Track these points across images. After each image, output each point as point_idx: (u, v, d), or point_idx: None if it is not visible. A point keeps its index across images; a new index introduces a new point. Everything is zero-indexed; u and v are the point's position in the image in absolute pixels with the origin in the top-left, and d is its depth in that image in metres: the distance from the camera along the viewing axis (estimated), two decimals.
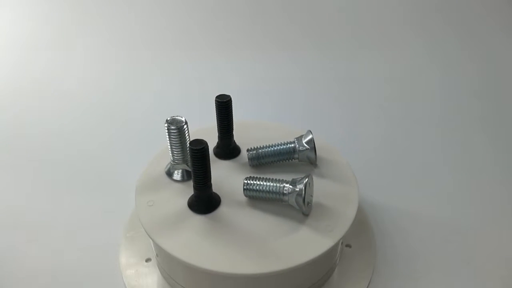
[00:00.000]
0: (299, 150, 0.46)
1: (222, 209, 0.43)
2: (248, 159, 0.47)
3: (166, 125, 0.44)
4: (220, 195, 0.44)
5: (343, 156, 0.49)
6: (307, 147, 0.46)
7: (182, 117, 0.44)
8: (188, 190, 0.44)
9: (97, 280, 0.47)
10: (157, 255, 0.45)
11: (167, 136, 0.44)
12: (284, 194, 0.41)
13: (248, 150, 0.47)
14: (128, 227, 0.51)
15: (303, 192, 0.40)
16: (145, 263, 0.47)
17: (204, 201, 0.42)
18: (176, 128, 0.43)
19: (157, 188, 0.45)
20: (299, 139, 0.47)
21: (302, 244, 0.40)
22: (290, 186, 0.41)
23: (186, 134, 0.44)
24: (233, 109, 0.47)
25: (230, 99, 0.46)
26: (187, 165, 0.45)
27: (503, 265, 0.48)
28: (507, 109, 0.71)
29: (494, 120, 0.69)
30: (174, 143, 0.44)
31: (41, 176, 0.59)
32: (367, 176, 0.56)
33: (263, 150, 0.47)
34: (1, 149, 0.64)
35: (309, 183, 0.41)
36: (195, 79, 0.76)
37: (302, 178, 0.41)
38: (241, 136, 0.50)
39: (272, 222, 0.42)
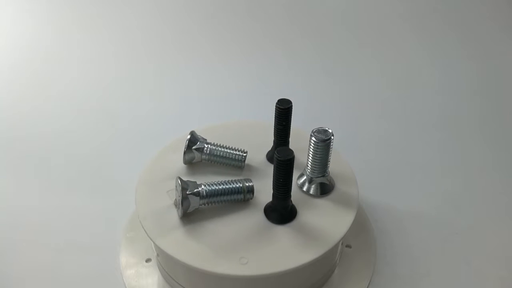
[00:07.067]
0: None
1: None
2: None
3: (313, 136, 0.41)
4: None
5: (343, 156, 0.49)
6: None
7: (329, 129, 0.41)
8: None
9: (97, 280, 0.47)
10: (157, 255, 0.45)
11: (311, 148, 0.42)
12: None
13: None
14: (128, 227, 0.51)
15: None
16: (145, 263, 0.47)
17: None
18: (322, 140, 0.41)
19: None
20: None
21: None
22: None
23: (331, 148, 0.42)
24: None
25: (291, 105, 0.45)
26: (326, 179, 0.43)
27: (502, 265, 0.49)
28: (507, 109, 0.71)
29: (494, 120, 0.69)
30: (314, 155, 0.42)
31: (41, 176, 0.59)
32: (367, 176, 0.56)
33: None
34: (1, 149, 0.64)
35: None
36: (195, 80, 0.76)
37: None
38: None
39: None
